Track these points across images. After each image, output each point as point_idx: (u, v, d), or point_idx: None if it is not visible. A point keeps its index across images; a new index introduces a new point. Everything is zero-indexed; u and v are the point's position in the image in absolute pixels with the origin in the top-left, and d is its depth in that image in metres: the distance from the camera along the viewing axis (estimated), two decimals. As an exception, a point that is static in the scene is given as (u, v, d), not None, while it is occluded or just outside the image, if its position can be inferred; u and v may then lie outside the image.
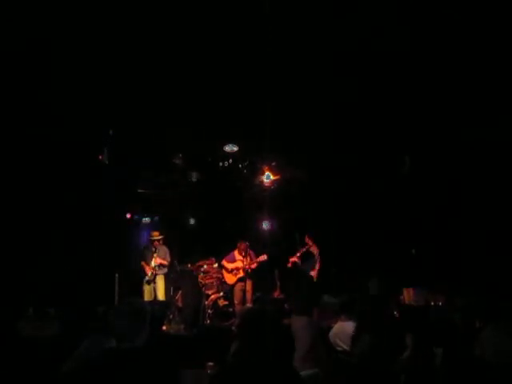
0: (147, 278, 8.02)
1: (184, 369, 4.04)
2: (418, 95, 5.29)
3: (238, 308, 8.12)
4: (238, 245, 8.52)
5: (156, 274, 8.07)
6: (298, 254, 8.42)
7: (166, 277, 8.31)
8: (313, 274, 8.24)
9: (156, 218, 9.21)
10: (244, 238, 8.60)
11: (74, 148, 6.36)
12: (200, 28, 4.03)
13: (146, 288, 7.98)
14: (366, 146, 6.62)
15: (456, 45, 4.26)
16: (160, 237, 8.21)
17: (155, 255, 8.09)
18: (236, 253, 8.54)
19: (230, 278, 8.51)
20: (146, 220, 9.18)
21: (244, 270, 8.35)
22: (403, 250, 8.97)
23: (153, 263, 8.06)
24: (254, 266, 8.38)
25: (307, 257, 8.55)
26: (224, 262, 8.58)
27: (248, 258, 8.39)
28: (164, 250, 8.27)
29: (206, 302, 8.00)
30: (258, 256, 8.44)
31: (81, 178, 7.20)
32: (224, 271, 8.59)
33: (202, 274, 8.41)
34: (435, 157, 6.86)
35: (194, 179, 8.19)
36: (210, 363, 3.90)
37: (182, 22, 3.93)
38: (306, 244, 8.68)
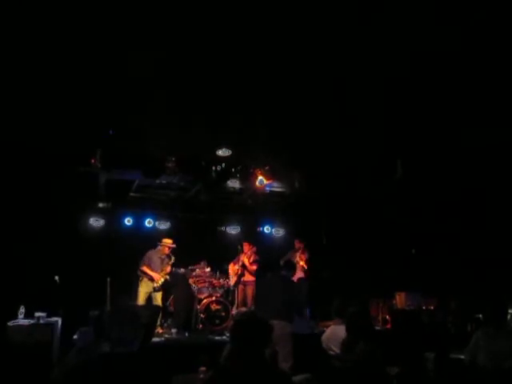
0: (156, 285, 7.77)
1: (176, 373, 4.02)
2: (411, 100, 5.32)
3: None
4: (243, 246, 8.90)
5: (166, 281, 7.94)
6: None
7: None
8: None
9: (150, 222, 9.19)
10: (246, 240, 9.04)
11: (67, 153, 6.33)
12: (196, 30, 4.03)
13: (142, 292, 7.68)
14: (360, 150, 6.66)
15: (451, 50, 4.30)
16: (173, 245, 8.10)
17: (170, 262, 8.02)
18: (241, 254, 8.85)
19: (232, 279, 8.78)
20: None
21: (242, 267, 8.63)
22: (396, 253, 9.03)
23: (166, 270, 7.95)
24: (251, 259, 8.67)
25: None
26: (231, 265, 8.91)
27: (248, 253, 8.74)
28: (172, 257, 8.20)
29: (199, 307, 7.98)
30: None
31: (74, 183, 7.17)
32: (230, 273, 8.85)
33: (194, 278, 8.41)
34: (427, 161, 6.90)
35: (186, 183, 8.21)
36: (203, 368, 3.88)
37: (179, 23, 3.93)
38: (296, 248, 8.82)
